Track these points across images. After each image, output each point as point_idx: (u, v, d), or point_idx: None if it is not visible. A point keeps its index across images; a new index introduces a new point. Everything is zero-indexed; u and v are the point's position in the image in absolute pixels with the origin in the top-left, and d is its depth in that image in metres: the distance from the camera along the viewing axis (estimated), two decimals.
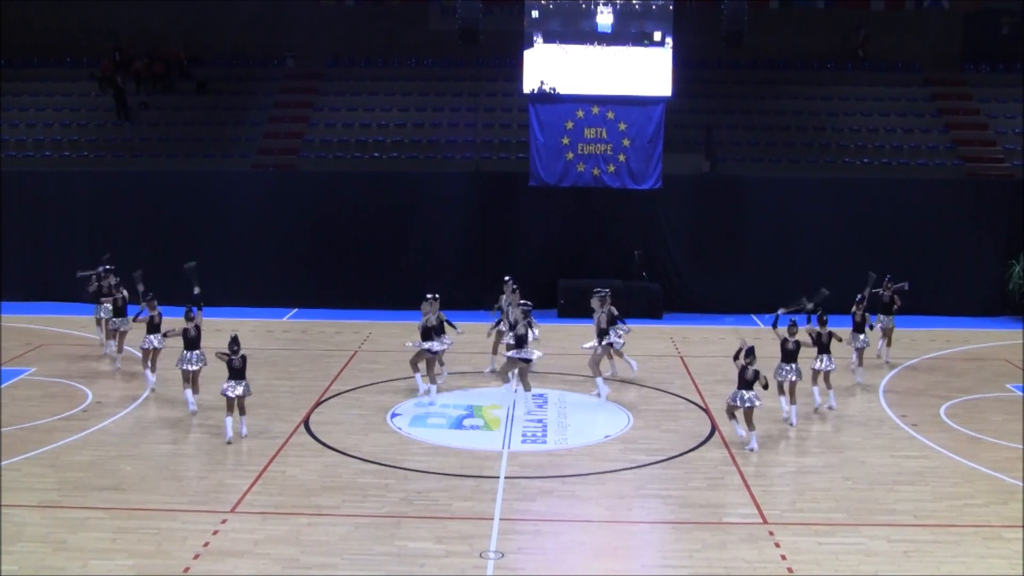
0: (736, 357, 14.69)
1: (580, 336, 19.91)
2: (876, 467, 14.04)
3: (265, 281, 25.06)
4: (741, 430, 14.73)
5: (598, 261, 24.74)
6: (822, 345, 16.47)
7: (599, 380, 17.34)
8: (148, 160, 26.54)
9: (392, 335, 22.06)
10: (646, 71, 24.05)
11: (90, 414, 16.03)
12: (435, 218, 25.18)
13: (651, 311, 24.22)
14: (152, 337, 17.26)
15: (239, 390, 14.73)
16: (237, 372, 14.75)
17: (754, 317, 24.19)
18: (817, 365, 16.52)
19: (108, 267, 19.67)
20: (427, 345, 16.84)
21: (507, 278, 18.86)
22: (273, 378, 18.51)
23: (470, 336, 19.45)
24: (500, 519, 12.09)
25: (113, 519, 11.96)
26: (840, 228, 24.80)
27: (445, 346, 17.17)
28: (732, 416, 14.80)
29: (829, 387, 16.64)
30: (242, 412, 14.88)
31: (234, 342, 14.87)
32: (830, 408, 16.59)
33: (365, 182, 25.52)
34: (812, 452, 14.71)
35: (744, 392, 14.47)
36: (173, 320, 17.64)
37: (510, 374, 16.82)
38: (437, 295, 17.34)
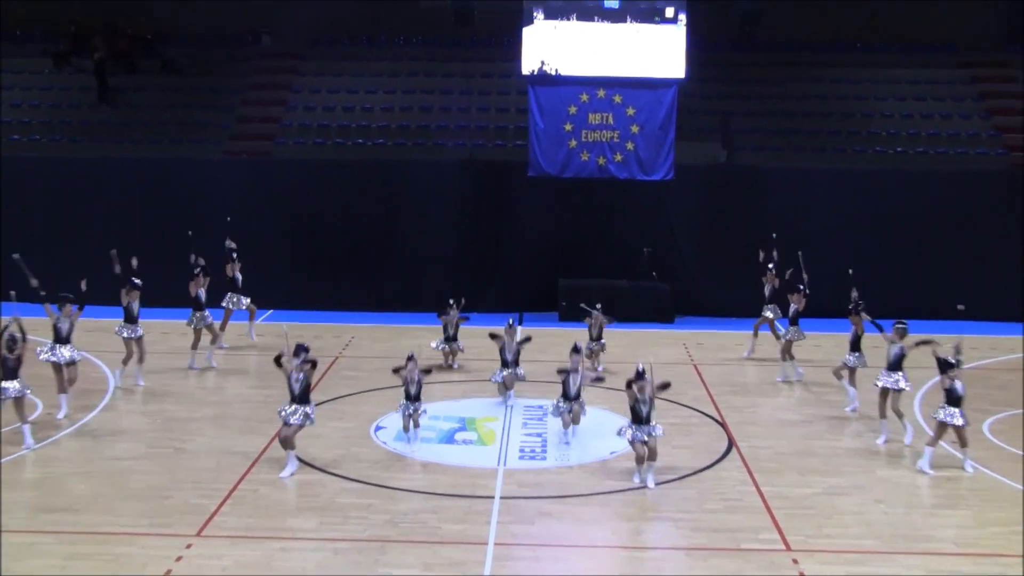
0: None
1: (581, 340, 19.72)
2: (912, 489, 13.93)
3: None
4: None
5: (602, 259, 24.65)
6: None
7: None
8: (109, 146, 26.44)
9: (376, 339, 22.00)
10: (657, 51, 24.05)
11: (40, 425, 15.77)
12: (425, 211, 25.13)
13: (661, 314, 24.17)
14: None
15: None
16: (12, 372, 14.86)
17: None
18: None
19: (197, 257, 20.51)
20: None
21: (451, 301, 19.09)
22: (245, 387, 18.55)
23: (463, 341, 19.49)
24: (495, 544, 12.00)
25: (64, 544, 11.79)
26: (869, 224, 24.80)
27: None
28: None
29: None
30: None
31: (12, 341, 14.89)
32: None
33: (348, 171, 25.47)
34: (840, 471, 14.55)
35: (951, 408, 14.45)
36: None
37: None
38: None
